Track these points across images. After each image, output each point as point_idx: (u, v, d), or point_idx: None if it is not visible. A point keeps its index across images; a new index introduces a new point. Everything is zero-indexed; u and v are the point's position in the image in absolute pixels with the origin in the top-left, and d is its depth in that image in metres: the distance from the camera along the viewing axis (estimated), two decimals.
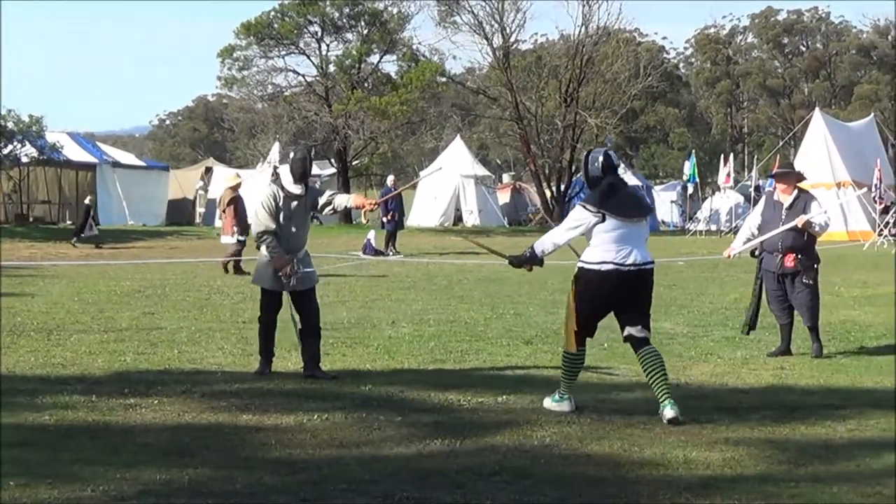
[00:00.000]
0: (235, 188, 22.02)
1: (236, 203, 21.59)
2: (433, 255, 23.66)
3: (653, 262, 8.35)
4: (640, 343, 8.24)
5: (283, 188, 9.77)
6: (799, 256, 11.22)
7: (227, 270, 21.03)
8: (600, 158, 8.25)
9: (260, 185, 9.87)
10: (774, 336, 11.92)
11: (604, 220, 8.11)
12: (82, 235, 32.05)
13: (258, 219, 9.81)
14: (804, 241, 11.25)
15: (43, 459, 6.62)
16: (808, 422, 7.93)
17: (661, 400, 8.02)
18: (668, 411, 7.90)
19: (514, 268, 8.70)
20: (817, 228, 11.23)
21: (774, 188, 11.86)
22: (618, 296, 8.19)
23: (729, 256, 11.93)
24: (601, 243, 8.15)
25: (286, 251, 9.71)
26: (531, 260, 8.43)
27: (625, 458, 6.87)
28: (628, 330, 8.28)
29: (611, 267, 8.10)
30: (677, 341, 12.29)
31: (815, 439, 7.40)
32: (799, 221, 11.12)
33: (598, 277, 8.14)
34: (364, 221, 43.60)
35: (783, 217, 11.26)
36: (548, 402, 8.41)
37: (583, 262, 8.25)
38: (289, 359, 10.80)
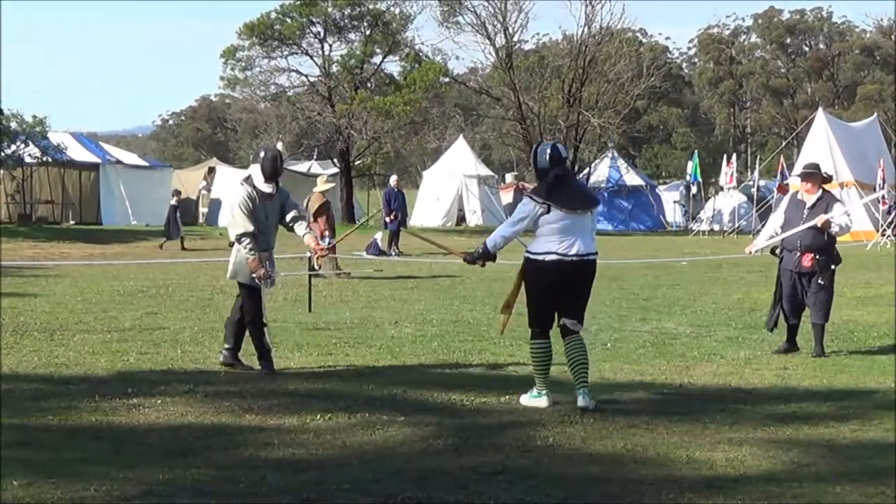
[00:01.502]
0: (324, 193, 21.87)
1: (326, 210, 21.41)
2: (436, 255, 23.65)
3: (596, 254, 8.55)
4: (570, 333, 8.50)
5: (255, 188, 9.86)
6: (817, 257, 11.24)
7: (343, 274, 20.81)
8: (548, 151, 8.48)
9: (232, 187, 9.90)
10: (777, 336, 11.92)
11: (549, 211, 8.32)
12: (171, 237, 31.70)
13: (235, 220, 9.86)
14: (824, 242, 11.27)
15: (46, 459, 6.62)
16: (811, 422, 7.93)
17: (577, 388, 8.37)
18: (581, 400, 8.28)
19: (469, 264, 8.97)
20: (837, 229, 11.26)
21: (800, 187, 11.86)
22: (560, 286, 8.40)
23: (750, 253, 12.11)
24: (546, 234, 8.37)
25: (263, 248, 9.85)
26: (484, 256, 8.70)
27: (628, 458, 6.87)
28: (564, 320, 8.50)
29: (555, 257, 8.31)
30: (680, 341, 12.29)
31: (818, 439, 7.39)
32: (818, 221, 11.15)
33: (543, 267, 8.36)
34: (370, 223, 43.61)
35: (804, 216, 11.31)
36: (524, 399, 8.54)
37: (529, 252, 8.48)
38: (291, 359, 10.81)
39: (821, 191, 11.48)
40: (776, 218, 11.89)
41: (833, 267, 11.37)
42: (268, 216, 9.90)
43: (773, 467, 6.66)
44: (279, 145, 48.40)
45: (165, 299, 16.53)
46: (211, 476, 6.32)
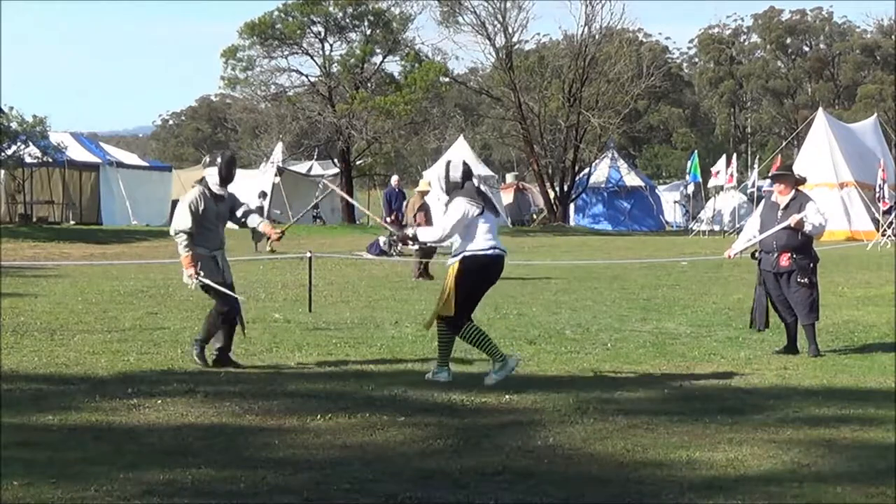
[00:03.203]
0: (424, 194, 21.84)
1: (425, 210, 21.36)
2: (437, 256, 23.65)
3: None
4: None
5: (209, 189, 10.18)
6: (794, 256, 11.28)
7: (420, 277, 20.65)
8: (461, 167, 9.62)
9: (189, 189, 10.25)
10: (778, 336, 11.93)
11: (482, 213, 9.40)
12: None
13: (180, 216, 10.09)
14: (799, 241, 11.31)
15: (46, 459, 6.62)
16: (812, 422, 7.93)
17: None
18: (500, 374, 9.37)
19: (399, 241, 10.36)
20: (810, 228, 11.26)
21: (773, 189, 11.93)
22: (496, 276, 9.57)
23: (729, 257, 12.14)
24: (483, 233, 9.39)
25: (216, 247, 10.18)
26: (411, 239, 10.25)
27: (628, 458, 6.87)
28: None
29: (498, 251, 9.44)
30: (681, 341, 12.29)
31: (818, 439, 7.39)
32: (791, 220, 11.21)
33: (488, 261, 9.39)
34: (367, 223, 43.62)
35: (778, 217, 11.37)
36: (490, 380, 9.32)
37: (469, 251, 9.38)
38: (291, 359, 10.81)
39: (794, 191, 11.54)
40: (753, 221, 11.97)
41: (811, 265, 11.39)
42: (218, 216, 10.24)
43: (773, 467, 6.66)
44: (279, 147, 48.54)
45: (165, 299, 16.52)
46: (211, 476, 6.32)
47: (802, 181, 11.82)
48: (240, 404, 8.39)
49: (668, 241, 40.51)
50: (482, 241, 9.37)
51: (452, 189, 9.52)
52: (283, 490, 6.05)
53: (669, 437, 7.38)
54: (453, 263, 9.42)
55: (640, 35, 76.84)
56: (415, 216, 20.69)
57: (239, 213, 10.47)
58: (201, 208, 10.04)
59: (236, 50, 46.48)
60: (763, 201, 12.18)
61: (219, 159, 10.33)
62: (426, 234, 10.00)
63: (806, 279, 11.31)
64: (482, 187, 10.36)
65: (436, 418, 7.98)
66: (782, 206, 11.46)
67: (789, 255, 11.32)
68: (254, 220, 10.48)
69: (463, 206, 9.40)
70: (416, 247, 20.58)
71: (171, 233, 10.19)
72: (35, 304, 15.58)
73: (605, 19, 52.92)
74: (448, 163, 9.77)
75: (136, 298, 16.77)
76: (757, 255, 11.65)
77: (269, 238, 10.79)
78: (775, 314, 11.70)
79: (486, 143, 79.41)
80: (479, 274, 9.40)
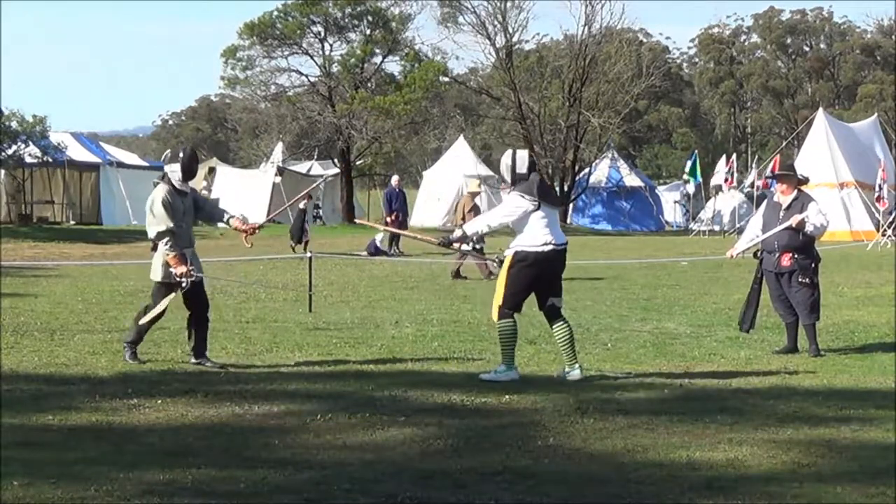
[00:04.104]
0: (475, 195, 21.77)
1: (477, 210, 21.25)
2: (436, 256, 23.66)
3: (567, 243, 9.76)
4: (558, 314, 9.71)
5: (173, 186, 10.11)
6: (795, 256, 11.30)
7: (491, 276, 20.45)
8: (527, 158, 9.71)
9: (154, 188, 10.17)
10: (778, 336, 11.93)
11: (539, 207, 9.50)
12: (303, 240, 30.81)
13: (156, 218, 10.00)
14: (800, 241, 11.33)
15: (46, 459, 6.62)
16: (812, 422, 7.93)
17: (568, 364, 9.71)
18: (574, 373, 9.56)
19: (445, 248, 10.61)
20: (811, 229, 11.28)
21: (776, 189, 11.96)
22: (550, 272, 9.65)
23: (731, 256, 12.17)
24: (538, 227, 9.50)
25: (185, 245, 10.10)
26: (461, 239, 10.14)
27: (628, 458, 6.87)
28: (552, 300, 9.70)
29: (551, 247, 9.50)
30: (680, 341, 12.29)
31: (818, 439, 7.39)
32: (793, 221, 11.23)
33: (540, 256, 9.47)
34: (367, 223, 43.55)
35: (780, 217, 11.39)
36: (502, 375, 9.51)
37: (522, 246, 9.53)
38: (291, 359, 10.81)
39: (796, 191, 11.56)
40: (755, 220, 11.98)
41: (812, 265, 11.41)
42: (185, 213, 10.17)
43: (773, 467, 6.66)
44: (279, 147, 48.55)
45: None
46: (211, 476, 6.32)
47: (805, 181, 11.84)
48: (240, 404, 8.39)
49: (668, 241, 40.51)
50: (535, 237, 9.48)
51: (518, 180, 9.60)
52: (283, 490, 6.05)
53: (669, 437, 7.38)
54: (509, 255, 9.62)
55: (641, 35, 76.81)
56: (463, 217, 20.52)
57: (207, 210, 10.42)
58: (170, 204, 9.98)
59: (236, 50, 46.47)
60: (765, 201, 12.19)
61: (181, 154, 10.23)
62: (472, 227, 10.15)
63: (807, 279, 11.33)
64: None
65: (436, 418, 7.98)
66: (784, 206, 11.47)
67: (791, 255, 11.34)
68: (224, 216, 10.46)
69: (515, 200, 9.56)
70: (474, 247, 20.47)
71: (152, 236, 10.01)
72: (35, 304, 15.58)
73: (605, 19, 52.94)
74: (514, 153, 9.77)
75: (136, 298, 16.73)
76: (759, 254, 11.67)
77: (245, 234, 10.58)
78: (765, 316, 11.71)
79: (486, 143, 79.40)
80: (530, 269, 9.50)
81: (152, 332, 12.56)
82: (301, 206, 31.80)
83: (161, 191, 10.06)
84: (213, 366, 10.17)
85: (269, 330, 12.97)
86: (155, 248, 10.16)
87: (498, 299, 9.59)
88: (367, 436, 7.42)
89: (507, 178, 9.67)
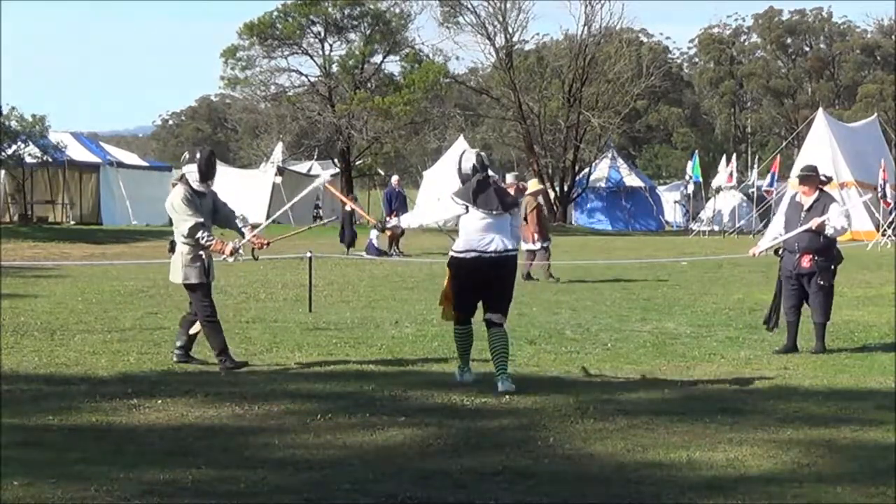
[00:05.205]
0: (537, 194, 21.61)
1: (539, 210, 21.12)
2: (436, 256, 23.65)
3: (514, 251, 9.23)
4: (494, 325, 9.20)
5: (190, 186, 10.08)
6: (815, 258, 11.32)
7: (529, 278, 20.19)
8: (473, 159, 9.32)
9: (173, 190, 10.16)
10: (777, 336, 11.92)
11: (467, 211, 9.11)
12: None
13: (182, 216, 9.99)
14: (821, 243, 11.36)
15: (46, 459, 6.62)
16: (812, 422, 7.93)
17: (497, 375, 9.12)
18: (500, 385, 8.96)
19: (380, 231, 10.05)
20: (831, 231, 11.32)
21: (798, 189, 11.97)
22: (480, 280, 9.14)
23: (754, 255, 12.20)
24: (466, 233, 9.14)
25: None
26: (395, 229, 10.00)
27: (628, 458, 6.87)
28: (488, 315, 9.21)
29: (474, 254, 9.07)
30: (681, 341, 12.29)
31: (818, 439, 7.39)
32: (812, 223, 11.25)
33: (461, 263, 9.14)
34: (366, 223, 43.51)
35: (802, 218, 11.41)
36: (460, 377, 9.39)
37: (452, 250, 9.27)
38: (291, 359, 10.81)
39: (818, 192, 11.57)
40: (778, 219, 11.99)
41: (833, 267, 11.45)
42: (203, 214, 10.10)
43: (773, 467, 6.66)
44: (279, 147, 48.53)
45: (166, 299, 16.51)
46: (211, 476, 6.32)
47: (828, 181, 11.88)
48: (240, 404, 8.39)
49: (668, 241, 40.49)
50: (463, 242, 9.16)
51: (463, 181, 9.31)
52: (283, 490, 6.05)
53: (669, 437, 7.38)
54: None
55: (641, 35, 76.81)
56: (526, 218, 20.38)
57: (224, 214, 10.31)
58: (190, 201, 9.95)
59: (236, 50, 46.48)
60: (788, 200, 12.19)
61: (198, 155, 10.20)
62: (406, 220, 10.17)
63: (826, 282, 11.38)
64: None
65: (436, 418, 7.98)
66: (806, 208, 11.50)
67: (811, 256, 11.36)
68: (239, 223, 10.33)
69: (447, 202, 9.33)
70: (543, 246, 20.40)
71: (185, 233, 9.92)
72: (35, 304, 15.57)
73: (604, 19, 52.94)
74: (462, 153, 9.54)
75: (136, 298, 16.77)
76: (780, 252, 11.70)
77: (254, 247, 10.45)
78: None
79: (486, 143, 79.32)
80: (457, 275, 9.22)
81: (152, 332, 12.60)
82: (347, 208, 31.72)
83: (179, 191, 10.05)
84: (197, 362, 10.30)
85: (269, 330, 12.97)
86: (172, 251, 10.15)
87: (443, 300, 9.44)
88: (367, 436, 7.42)
89: (459, 178, 9.41)
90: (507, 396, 8.75)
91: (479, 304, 9.39)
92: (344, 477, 6.30)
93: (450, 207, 9.29)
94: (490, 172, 9.39)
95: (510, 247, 9.15)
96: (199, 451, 6.91)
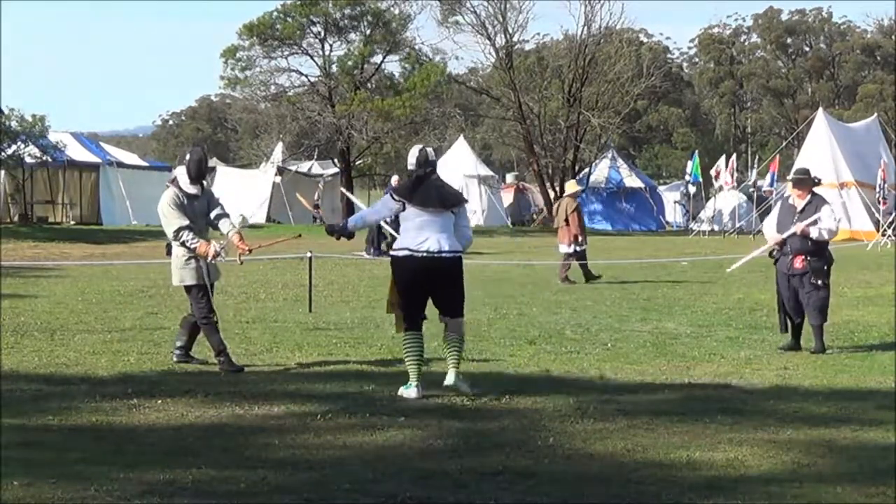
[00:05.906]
0: (576, 195, 21.33)
1: (579, 212, 20.79)
2: None
3: (455, 252, 8.88)
4: (448, 326, 8.97)
5: (181, 189, 10.04)
6: (808, 258, 11.36)
7: (567, 280, 19.80)
8: (416, 153, 8.95)
9: (163, 193, 10.14)
10: (778, 336, 11.93)
11: (404, 208, 8.80)
12: (381, 248, 29.77)
13: (168, 219, 9.97)
14: (813, 244, 11.38)
15: (47, 459, 6.62)
16: (812, 422, 7.93)
17: (449, 368, 8.94)
18: (448, 378, 8.84)
19: (328, 234, 9.44)
20: (817, 234, 11.36)
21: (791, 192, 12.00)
22: (419, 281, 8.81)
23: (729, 271, 12.26)
24: (403, 231, 8.87)
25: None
26: (341, 231, 9.23)
27: (628, 458, 6.87)
28: (440, 316, 9.04)
29: (406, 253, 8.78)
30: (681, 341, 12.29)
31: (818, 439, 7.40)
32: (797, 228, 11.32)
33: (397, 263, 8.85)
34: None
35: (794, 220, 11.46)
36: (401, 391, 8.80)
37: (393, 249, 9.03)
38: (291, 359, 10.82)
39: (810, 195, 11.62)
40: (770, 222, 12.04)
41: (825, 268, 11.48)
42: (196, 215, 10.06)
43: (773, 467, 6.66)
44: (279, 147, 48.49)
45: (166, 299, 16.51)
46: (211, 476, 6.32)
47: (818, 183, 11.92)
48: (240, 404, 8.39)
49: (668, 241, 40.49)
50: (400, 240, 8.94)
51: (409, 177, 9.04)
52: (283, 490, 6.05)
53: (669, 437, 7.38)
54: None
55: (641, 35, 76.78)
56: (566, 219, 20.18)
57: (213, 215, 10.26)
58: (178, 204, 9.94)
59: (236, 50, 46.44)
60: (781, 202, 12.23)
61: (188, 157, 10.18)
62: (352, 220, 9.39)
63: (819, 281, 11.41)
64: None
65: (436, 419, 7.98)
66: (798, 210, 11.58)
67: (803, 257, 11.43)
68: (225, 226, 10.28)
69: (384, 198, 9.11)
70: (576, 249, 20.12)
71: (170, 235, 9.99)
72: (35, 304, 15.58)
73: (604, 19, 52.88)
74: (411, 150, 9.17)
75: (136, 298, 16.77)
76: (774, 254, 11.73)
77: (239, 252, 10.37)
78: (765, 316, 11.76)
79: (486, 143, 79.37)
80: (396, 275, 8.91)
81: (152, 332, 12.60)
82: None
83: (167, 194, 10.05)
84: (197, 362, 10.34)
85: (269, 330, 12.97)
86: (169, 253, 10.16)
87: (389, 305, 9.13)
88: (366, 436, 7.42)
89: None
90: (506, 396, 8.74)
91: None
92: (344, 477, 6.30)
93: (388, 204, 8.96)
94: (436, 168, 9.09)
95: (447, 247, 8.78)
96: (199, 451, 6.91)
